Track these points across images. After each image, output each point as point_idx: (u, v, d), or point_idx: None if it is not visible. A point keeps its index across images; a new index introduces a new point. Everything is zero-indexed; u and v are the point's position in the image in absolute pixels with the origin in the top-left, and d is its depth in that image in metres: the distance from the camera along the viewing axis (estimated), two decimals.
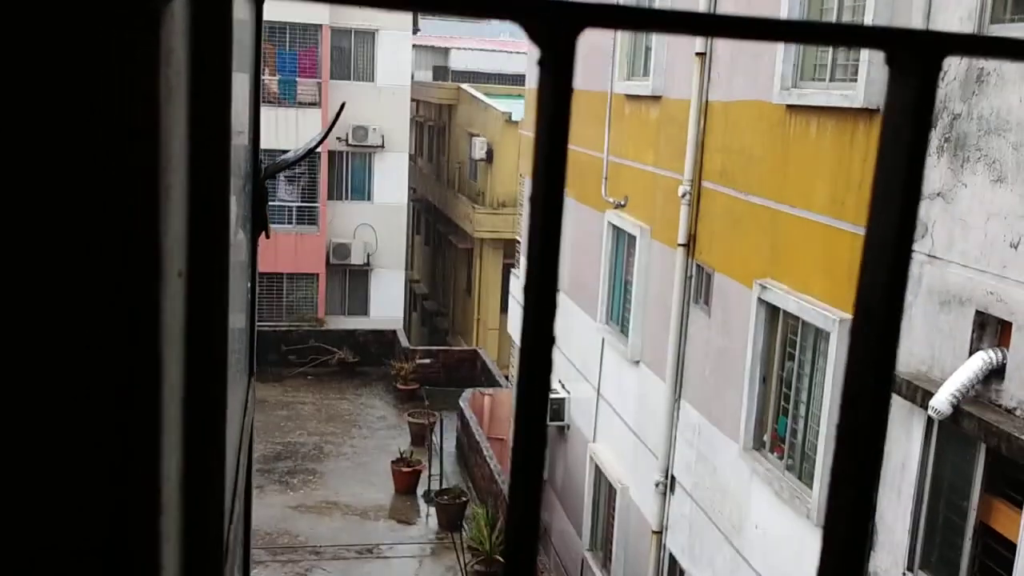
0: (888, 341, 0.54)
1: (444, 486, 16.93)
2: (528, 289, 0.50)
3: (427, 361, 22.80)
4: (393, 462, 17.57)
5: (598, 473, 12.90)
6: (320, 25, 24.89)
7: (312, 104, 25.04)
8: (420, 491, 17.33)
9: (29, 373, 0.44)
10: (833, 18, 7.82)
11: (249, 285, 1.54)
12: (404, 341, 24.57)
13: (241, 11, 1.25)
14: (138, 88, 0.43)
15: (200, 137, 0.61)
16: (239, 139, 1.35)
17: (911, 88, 0.50)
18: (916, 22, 6.53)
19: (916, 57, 0.50)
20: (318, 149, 24.95)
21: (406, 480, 17.31)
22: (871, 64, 7.02)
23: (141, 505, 0.52)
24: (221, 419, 0.69)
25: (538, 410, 0.54)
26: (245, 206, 1.38)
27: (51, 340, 0.45)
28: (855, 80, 7.35)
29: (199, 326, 0.64)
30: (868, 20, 7.06)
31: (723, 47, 9.59)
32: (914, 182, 0.52)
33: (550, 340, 0.50)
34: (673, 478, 10.60)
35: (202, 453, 0.74)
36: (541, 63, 0.47)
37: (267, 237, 1.62)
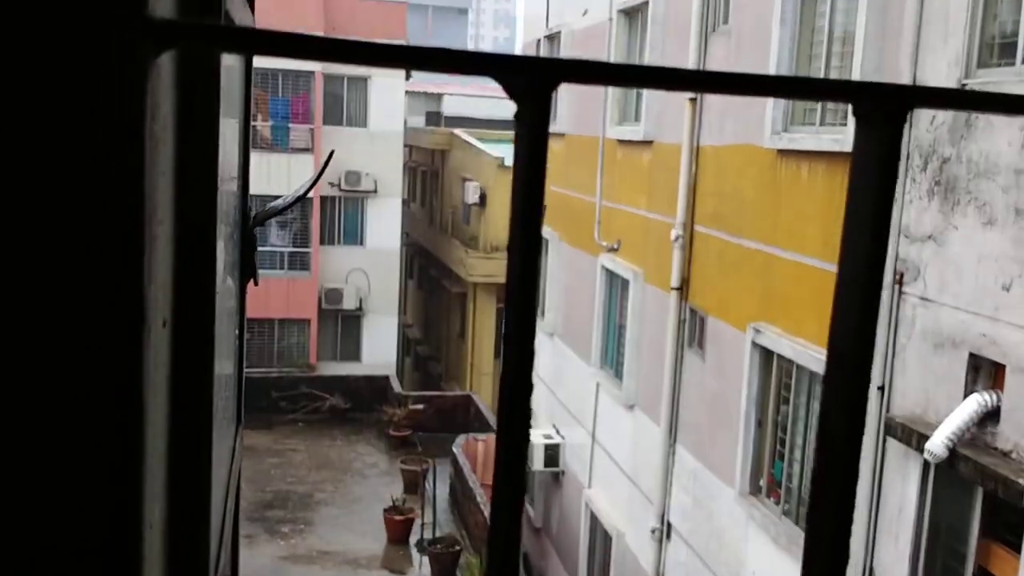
0: (859, 384, 0.54)
1: (437, 534, 16.74)
2: (507, 339, 0.50)
3: (420, 407, 22.67)
4: (385, 510, 17.38)
5: (593, 519, 12.78)
6: (313, 72, 25.16)
7: (305, 150, 25.20)
8: (413, 540, 17.12)
9: (5, 421, 0.45)
10: (822, 63, 7.94)
11: (237, 332, 1.54)
12: (397, 387, 24.45)
13: (230, 58, 1.28)
14: (123, 141, 0.44)
15: (187, 188, 0.62)
16: (228, 186, 1.37)
17: (878, 139, 0.52)
18: (903, 67, 6.64)
19: (882, 109, 0.52)
20: (310, 195, 25.06)
21: (399, 529, 17.11)
22: None
23: (123, 553, 0.52)
24: (207, 467, 0.69)
25: (518, 456, 0.54)
26: (234, 253, 1.39)
27: (31, 386, 0.45)
28: (844, 124, 7.44)
29: (185, 375, 0.64)
30: (856, 65, 7.17)
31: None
32: (881, 230, 0.53)
33: (528, 388, 0.51)
34: (669, 524, 10.51)
35: (187, 501, 0.74)
36: (517, 117, 0.49)
37: (255, 284, 1.63)
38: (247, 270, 1.53)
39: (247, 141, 1.63)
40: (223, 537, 1.09)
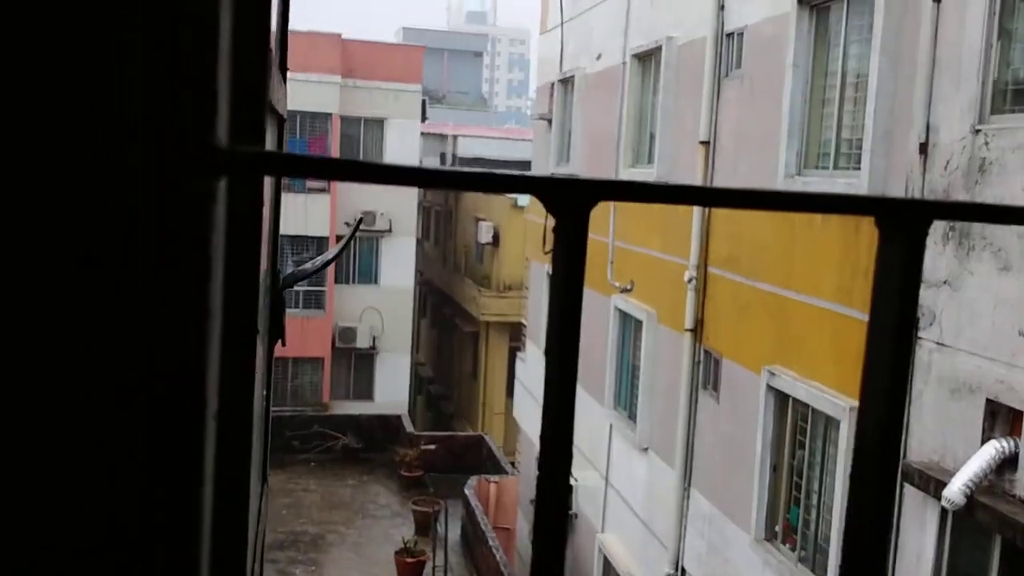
0: (886, 492, 0.56)
1: None
2: (543, 442, 0.52)
3: (432, 447, 22.59)
4: (397, 552, 17.25)
5: (607, 564, 12.65)
6: (330, 114, 25.46)
7: (321, 191, 25.44)
8: None
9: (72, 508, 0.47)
10: (835, 108, 7.99)
11: (265, 393, 1.56)
12: (409, 426, 24.40)
13: (267, 134, 1.31)
14: (191, 257, 0.47)
15: (231, 290, 0.64)
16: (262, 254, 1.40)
17: (900, 251, 0.54)
18: (917, 113, 6.66)
19: (905, 221, 0.54)
20: (326, 234, 25.25)
21: (410, 571, 16.97)
22: (874, 153, 7.14)
23: None
24: (242, 559, 0.71)
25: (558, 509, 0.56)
26: (265, 317, 1.42)
27: (103, 499, 0.48)
28: (859, 168, 7.47)
29: (224, 468, 0.66)
30: (870, 110, 7.21)
31: (726, 135, 9.78)
32: (904, 341, 0.55)
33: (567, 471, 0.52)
34: (683, 570, 10.39)
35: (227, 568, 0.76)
36: (555, 231, 0.51)
37: (283, 345, 1.66)
38: (276, 332, 1.56)
39: (279, 199, 1.66)
40: None
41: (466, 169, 0.50)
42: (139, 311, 0.49)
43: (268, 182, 1.36)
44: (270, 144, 1.34)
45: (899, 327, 0.56)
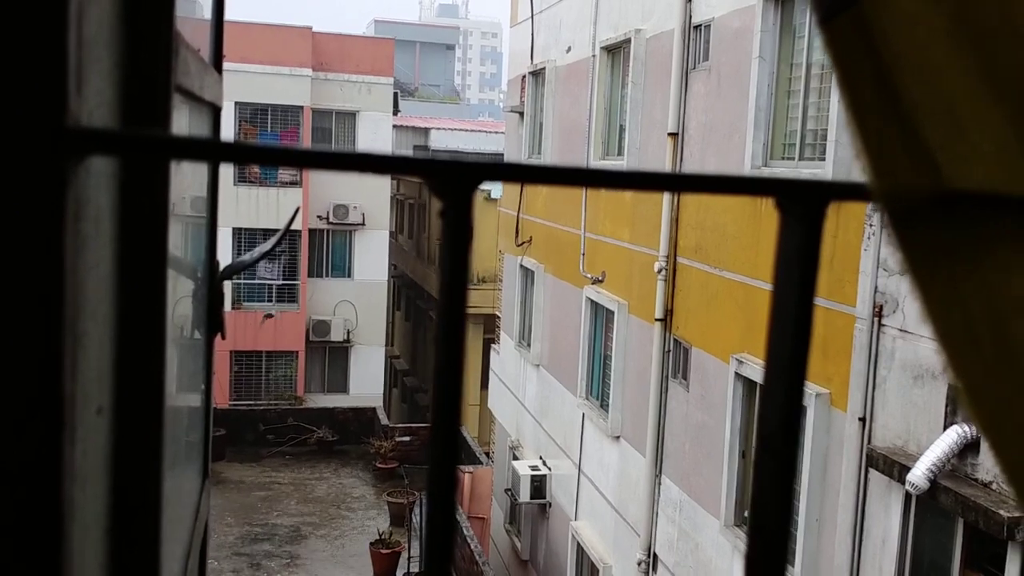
0: (786, 474, 0.55)
1: (424, 568, 16.58)
2: (432, 431, 0.52)
3: (407, 439, 22.57)
4: (372, 543, 17.24)
5: (580, 552, 12.71)
6: (302, 107, 25.27)
7: (293, 183, 25.25)
8: (400, 573, 16.96)
9: None
10: (800, 99, 8.03)
11: (204, 387, 1.54)
12: (384, 419, 24.35)
13: (195, 123, 1.29)
14: (38, 245, 0.45)
15: (130, 278, 0.63)
16: (196, 243, 1.38)
17: (799, 232, 0.54)
18: None
19: (804, 203, 0.54)
20: (299, 228, 25.08)
21: (385, 562, 16.96)
22: (838, 143, 7.20)
23: None
24: (154, 548, 0.69)
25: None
26: (200, 309, 1.39)
27: None
28: (823, 159, 7.53)
29: (126, 458, 0.65)
30: (834, 99, 7.26)
31: (694, 126, 9.81)
32: (804, 320, 0.55)
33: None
34: (655, 556, 10.46)
35: None
36: (442, 214, 0.50)
37: (223, 338, 1.63)
38: (214, 324, 1.54)
39: (216, 189, 1.64)
40: None
41: (348, 151, 0.49)
42: None
43: (198, 170, 1.34)
44: (201, 129, 1.32)
45: (800, 306, 0.55)
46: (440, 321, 0.51)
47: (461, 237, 0.49)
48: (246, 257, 2.49)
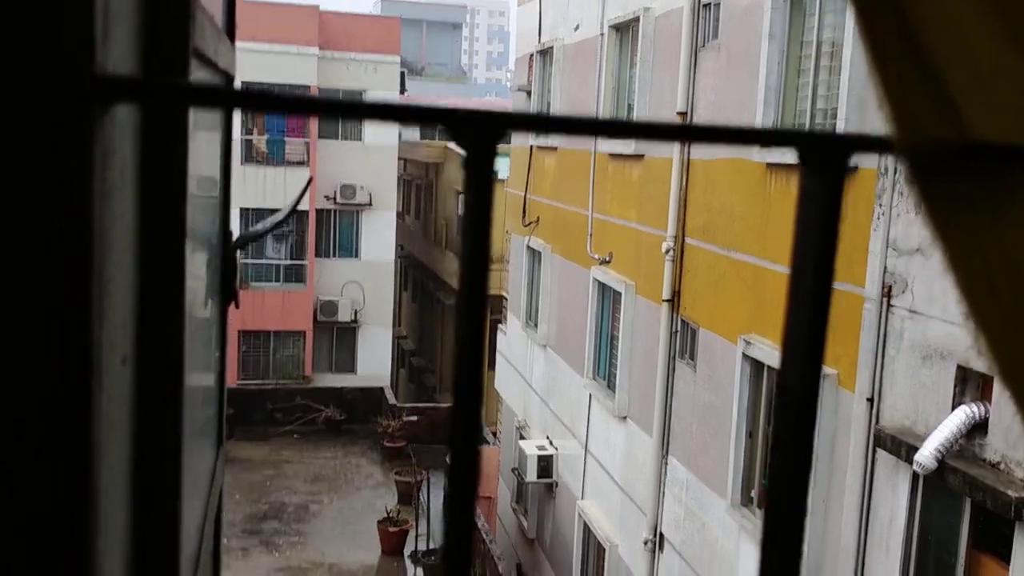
0: (806, 423, 0.56)
1: (432, 546, 16.70)
2: (456, 373, 0.52)
3: (414, 418, 22.66)
4: (380, 522, 17.35)
5: (587, 531, 12.77)
6: (308, 86, 25.21)
7: (300, 163, 25.24)
8: (407, 551, 17.08)
9: None
10: (810, 77, 7.99)
11: (218, 354, 1.55)
12: (391, 398, 24.44)
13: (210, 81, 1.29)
14: (68, 191, 0.46)
15: (151, 229, 0.63)
16: (207, 213, 1.38)
17: (821, 184, 0.54)
18: None
19: (824, 156, 0.54)
20: (306, 208, 25.09)
21: (393, 540, 17.08)
22: (848, 121, 7.16)
23: None
24: (175, 503, 0.70)
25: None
26: (214, 277, 1.40)
27: None
28: None
29: (149, 409, 0.65)
30: (844, 78, 7.21)
31: (704, 105, 9.76)
32: (826, 273, 0.55)
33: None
34: (662, 535, 10.51)
35: (154, 543, 0.75)
36: (466, 164, 0.50)
37: (236, 307, 1.64)
38: (228, 293, 1.55)
39: (229, 160, 1.64)
40: (199, 565, 1.09)
41: (368, 102, 0.49)
42: (16, 255, 0.47)
43: (212, 148, 1.34)
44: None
45: (820, 264, 0.55)
46: (463, 270, 0.52)
47: (484, 188, 0.49)
48: (259, 226, 2.49)
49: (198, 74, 0.93)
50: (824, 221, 0.55)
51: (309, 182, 3.20)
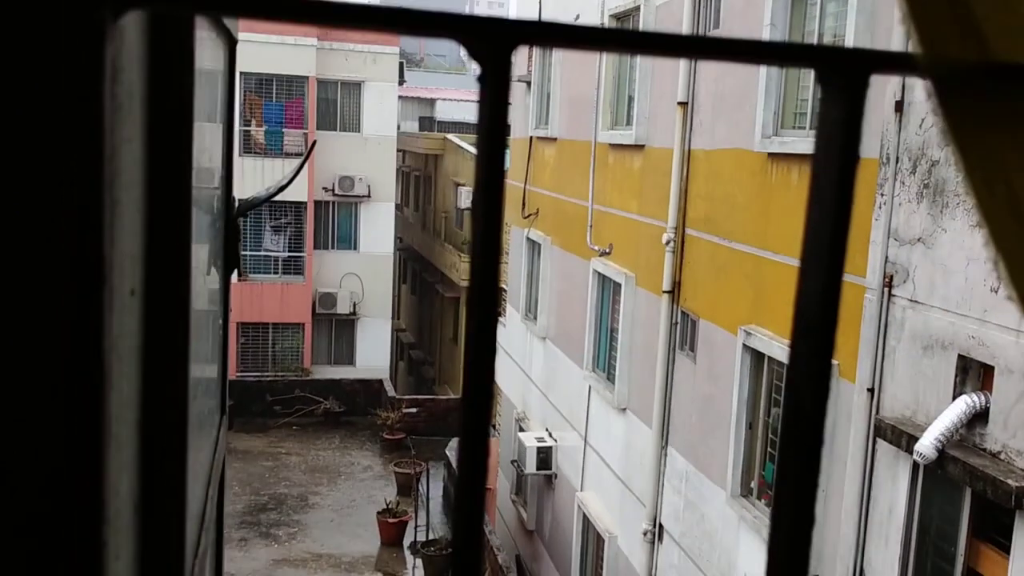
0: (824, 351, 0.54)
1: (431, 537, 16.72)
2: (470, 302, 0.51)
3: (413, 410, 22.67)
4: (379, 513, 17.36)
5: (586, 522, 12.78)
6: (307, 77, 25.16)
7: (299, 154, 25.18)
8: (407, 542, 17.10)
9: None
10: (811, 75, 7.95)
11: (221, 322, 1.54)
12: (390, 390, 24.44)
13: (212, 53, 1.28)
14: (78, 101, 0.45)
15: (159, 157, 0.62)
16: (210, 178, 1.37)
17: (841, 104, 0.52)
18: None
19: (844, 74, 0.52)
20: (304, 199, 25.05)
21: (392, 531, 17.09)
22: None
23: (84, 537, 0.51)
24: (182, 436, 0.69)
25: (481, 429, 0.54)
26: (217, 243, 1.39)
27: None
28: None
29: (156, 343, 0.64)
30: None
31: (704, 96, 9.74)
32: (845, 197, 0.53)
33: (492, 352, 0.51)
34: (661, 526, 10.51)
35: (161, 477, 0.74)
36: (480, 78, 0.49)
37: (239, 277, 1.63)
38: (231, 260, 1.54)
39: (231, 132, 1.63)
40: (205, 521, 1.08)
41: (376, 5, 0.47)
42: (26, 168, 0.46)
43: (217, 86, 1.33)
44: (217, 60, 1.31)
45: (840, 186, 0.54)
46: (477, 196, 0.50)
47: (499, 100, 0.48)
48: (261, 192, 2.49)
49: (201, 36, 0.91)
50: (844, 140, 0.53)
51: (313, 145, 3.19)
